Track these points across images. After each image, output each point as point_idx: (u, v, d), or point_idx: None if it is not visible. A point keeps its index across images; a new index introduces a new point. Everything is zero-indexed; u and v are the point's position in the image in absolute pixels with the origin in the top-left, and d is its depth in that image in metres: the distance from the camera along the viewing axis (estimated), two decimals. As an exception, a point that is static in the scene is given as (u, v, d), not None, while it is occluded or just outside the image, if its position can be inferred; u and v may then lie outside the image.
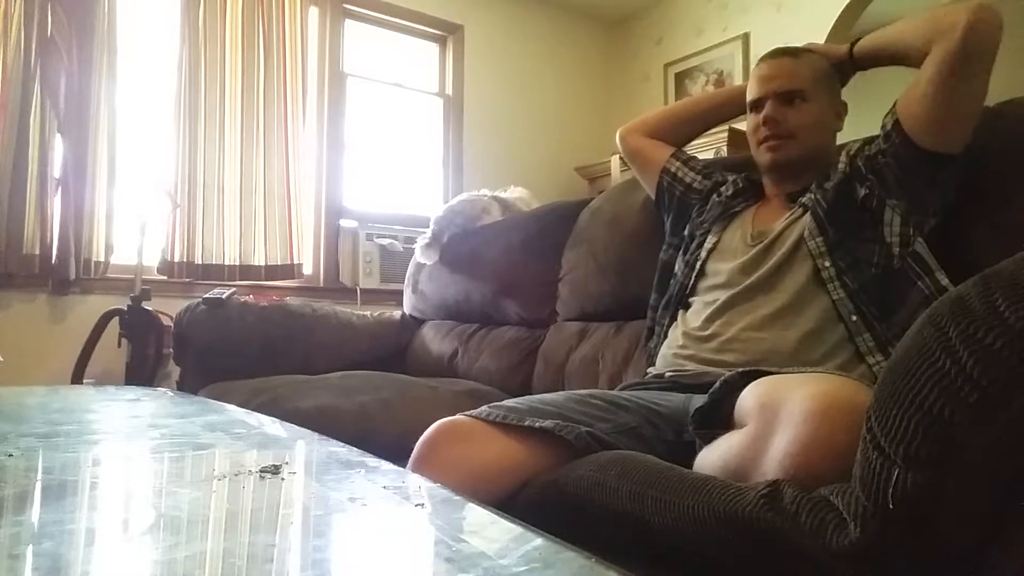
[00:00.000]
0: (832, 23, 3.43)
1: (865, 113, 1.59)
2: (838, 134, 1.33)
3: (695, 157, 1.54)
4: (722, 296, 1.21)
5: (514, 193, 2.45)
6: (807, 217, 1.19)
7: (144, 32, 3.24)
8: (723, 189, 1.39)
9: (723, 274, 1.25)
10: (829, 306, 1.11)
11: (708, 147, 3.30)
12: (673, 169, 1.49)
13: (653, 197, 1.55)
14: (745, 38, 3.84)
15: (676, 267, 1.39)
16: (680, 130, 1.56)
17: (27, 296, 2.87)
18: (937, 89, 1.09)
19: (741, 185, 1.37)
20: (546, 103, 4.40)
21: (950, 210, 1.16)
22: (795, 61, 1.28)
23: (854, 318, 1.08)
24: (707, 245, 1.32)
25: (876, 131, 1.22)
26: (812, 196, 1.20)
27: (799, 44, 1.37)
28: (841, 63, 1.31)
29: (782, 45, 1.36)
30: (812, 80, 1.26)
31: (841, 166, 1.22)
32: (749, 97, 1.31)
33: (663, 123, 1.57)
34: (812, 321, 1.11)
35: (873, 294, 1.09)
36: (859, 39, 1.30)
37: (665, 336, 1.32)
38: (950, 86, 1.08)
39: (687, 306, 1.30)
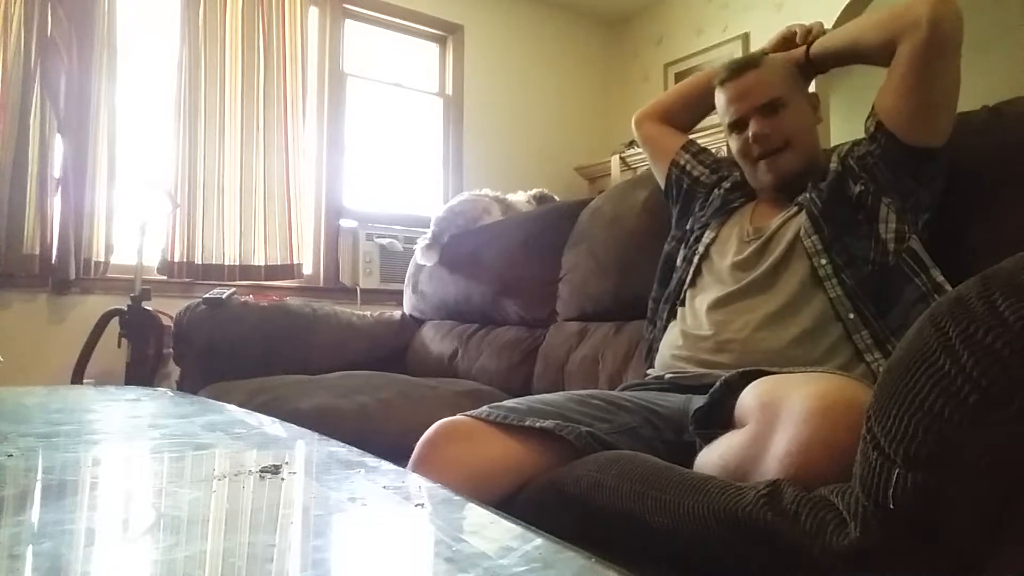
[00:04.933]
0: (832, 23, 3.43)
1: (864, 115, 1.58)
2: (826, 132, 1.32)
3: (707, 150, 1.53)
4: (719, 293, 1.21)
5: (517, 196, 2.47)
6: (802, 216, 1.19)
7: (144, 32, 3.24)
8: (724, 184, 1.40)
9: (720, 271, 1.25)
10: (827, 304, 1.10)
11: (709, 147, 3.30)
12: (682, 162, 1.48)
13: (662, 186, 1.54)
14: (745, 38, 3.84)
15: (677, 261, 1.39)
16: (691, 110, 1.55)
17: (27, 296, 2.87)
18: (912, 85, 1.10)
19: (741, 179, 1.37)
20: (546, 103, 4.40)
21: (943, 205, 1.16)
22: (761, 71, 1.25)
23: (851, 316, 1.08)
24: (705, 240, 1.32)
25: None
26: (807, 195, 1.20)
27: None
28: (799, 66, 1.29)
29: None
30: (784, 83, 1.25)
31: (833, 165, 1.22)
32: (727, 120, 1.29)
33: (674, 105, 1.56)
34: (810, 320, 1.11)
35: (870, 291, 1.09)
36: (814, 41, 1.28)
37: (664, 330, 1.32)
38: (924, 80, 1.09)
39: (685, 302, 1.30)
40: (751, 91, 1.25)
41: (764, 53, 1.31)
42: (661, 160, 1.53)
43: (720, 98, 1.30)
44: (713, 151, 1.57)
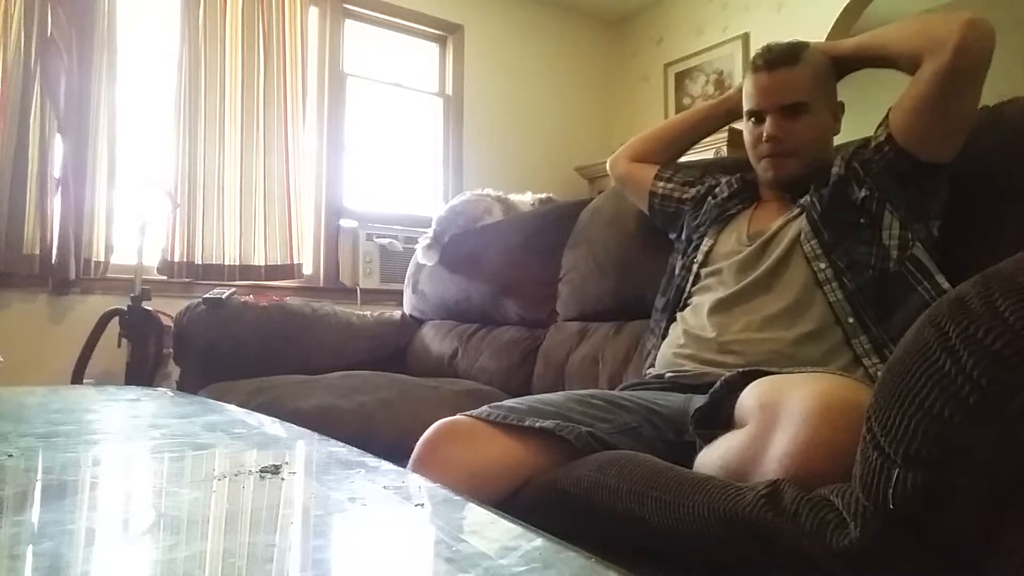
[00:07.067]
0: (832, 23, 3.43)
1: (869, 114, 1.58)
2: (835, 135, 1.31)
3: (681, 167, 1.54)
4: (721, 295, 1.21)
5: (524, 196, 2.47)
6: (803, 219, 1.18)
7: (144, 32, 3.24)
8: (717, 191, 1.39)
9: (720, 273, 1.25)
10: (826, 308, 1.10)
11: (708, 147, 3.29)
12: (659, 191, 1.50)
13: (651, 217, 1.55)
14: (745, 38, 3.84)
15: (676, 269, 1.39)
16: (669, 149, 1.56)
17: (27, 296, 2.87)
18: (928, 105, 1.09)
19: (736, 186, 1.36)
20: (546, 103, 4.40)
21: (947, 209, 1.16)
22: (795, 70, 1.21)
23: (851, 320, 1.08)
24: (703, 248, 1.32)
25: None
26: (809, 198, 1.20)
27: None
28: (836, 60, 1.27)
29: (781, 42, 1.26)
30: (813, 88, 1.23)
31: (836, 168, 1.21)
32: (747, 106, 1.27)
33: (651, 144, 1.57)
34: (811, 323, 1.11)
35: (871, 296, 1.08)
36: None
37: (664, 335, 1.32)
38: (942, 102, 1.08)
39: (685, 307, 1.30)
40: (778, 89, 1.22)
41: (806, 45, 1.26)
42: (640, 194, 1.55)
43: (748, 82, 1.28)
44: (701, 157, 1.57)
